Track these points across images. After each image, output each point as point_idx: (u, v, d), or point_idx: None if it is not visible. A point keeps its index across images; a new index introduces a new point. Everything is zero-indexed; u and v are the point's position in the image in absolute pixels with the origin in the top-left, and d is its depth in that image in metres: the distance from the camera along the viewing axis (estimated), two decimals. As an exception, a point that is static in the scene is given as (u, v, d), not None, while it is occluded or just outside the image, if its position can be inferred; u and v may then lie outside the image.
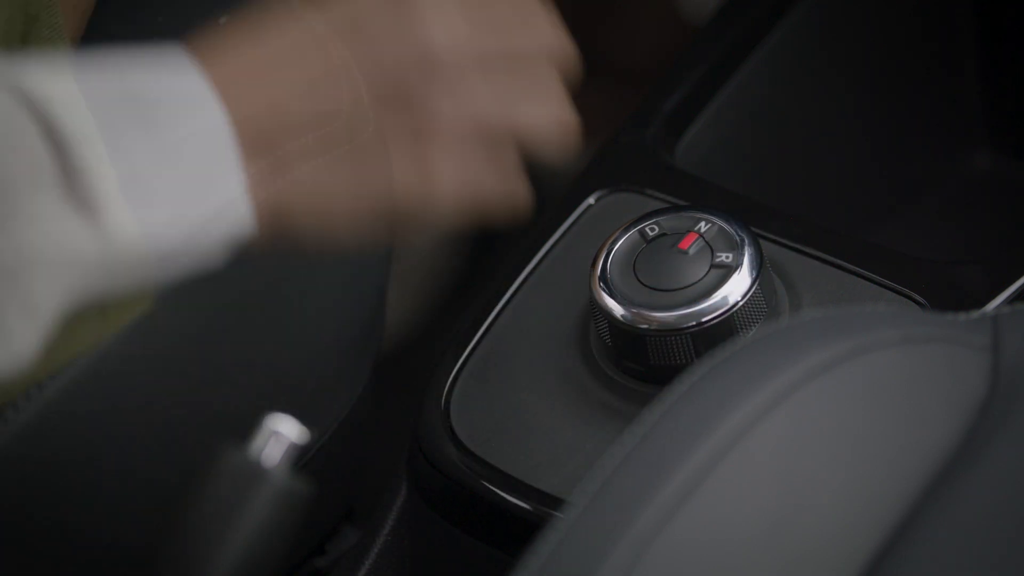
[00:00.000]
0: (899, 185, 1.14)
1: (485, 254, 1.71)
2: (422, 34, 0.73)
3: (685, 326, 0.83)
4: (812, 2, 1.08)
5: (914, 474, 0.66)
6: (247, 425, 0.67)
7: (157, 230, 0.67)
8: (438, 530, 0.89)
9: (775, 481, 0.64)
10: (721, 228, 0.86)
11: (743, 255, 0.85)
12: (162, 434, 0.86)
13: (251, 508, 0.64)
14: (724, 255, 0.85)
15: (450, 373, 0.89)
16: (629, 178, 0.96)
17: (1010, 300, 0.88)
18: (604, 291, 0.86)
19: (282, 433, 0.66)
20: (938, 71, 1.16)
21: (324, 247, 0.73)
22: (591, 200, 0.96)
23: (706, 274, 0.85)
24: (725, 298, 0.84)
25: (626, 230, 0.88)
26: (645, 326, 0.84)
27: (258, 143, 0.71)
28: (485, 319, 0.91)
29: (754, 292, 0.84)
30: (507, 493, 0.85)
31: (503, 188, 0.75)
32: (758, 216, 0.91)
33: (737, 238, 0.85)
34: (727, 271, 0.84)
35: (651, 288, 0.85)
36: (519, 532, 0.78)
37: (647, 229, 0.88)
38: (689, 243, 0.86)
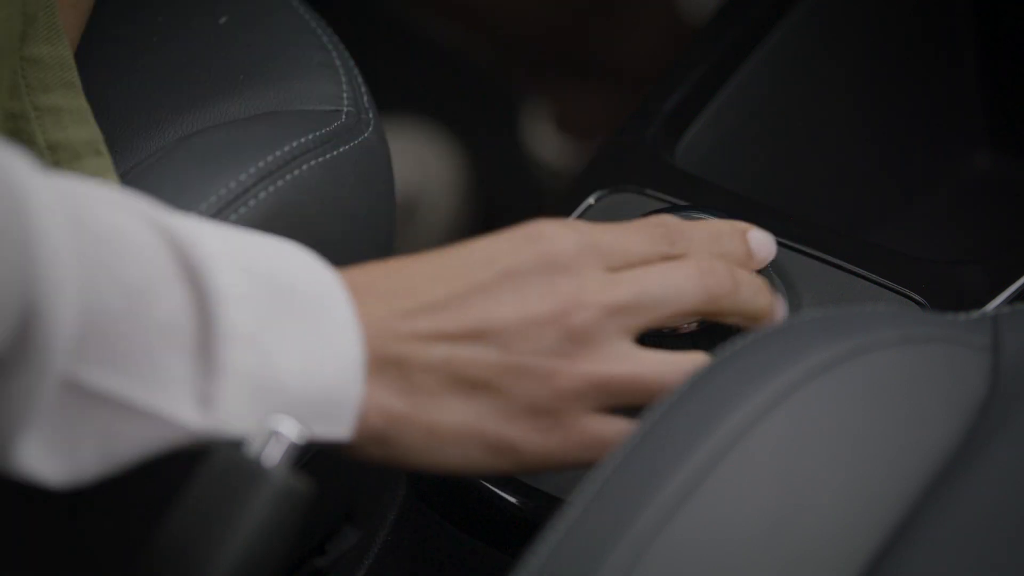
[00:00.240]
0: (899, 185, 1.14)
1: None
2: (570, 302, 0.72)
3: (685, 326, 0.83)
4: (812, 2, 1.08)
5: (914, 474, 0.66)
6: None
7: (268, 425, 0.67)
8: (438, 530, 0.89)
9: (775, 481, 0.64)
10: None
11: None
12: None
13: (251, 508, 0.64)
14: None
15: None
16: (629, 178, 0.96)
17: (1010, 300, 0.88)
18: (604, 291, 0.85)
19: (282, 433, 0.66)
20: (938, 71, 1.16)
21: (425, 461, 0.72)
22: (591, 200, 0.95)
23: (706, 274, 0.85)
24: (725, 298, 0.84)
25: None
26: (645, 326, 0.84)
27: (384, 357, 0.70)
28: (485, 319, 0.91)
29: (754, 292, 0.84)
30: (507, 493, 0.85)
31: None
32: (758, 216, 0.91)
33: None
34: (727, 271, 0.84)
35: (651, 288, 0.85)
36: (519, 532, 0.78)
37: None
38: (689, 243, 0.86)
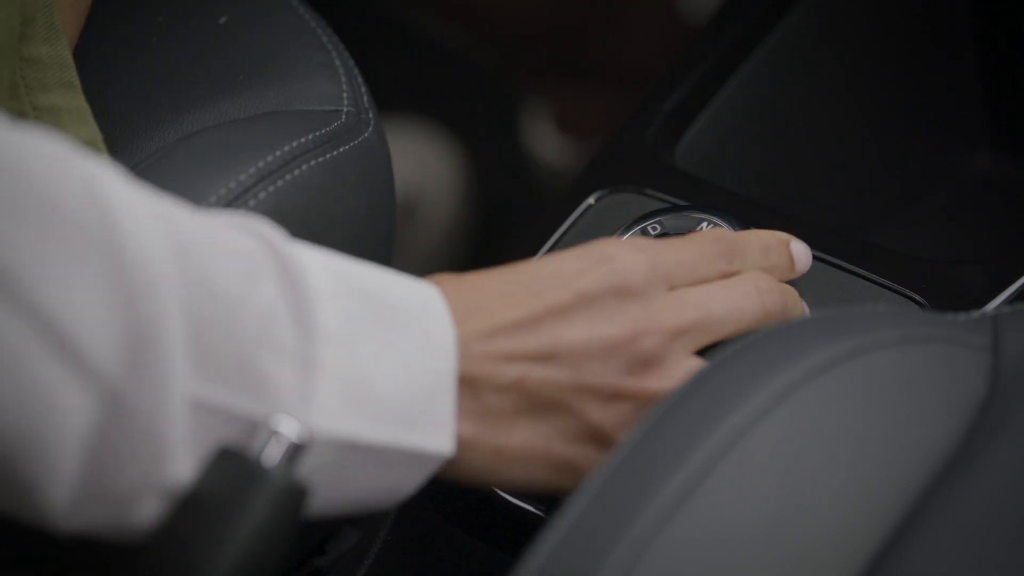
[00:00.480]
0: (899, 185, 1.14)
1: (487, 253, 1.71)
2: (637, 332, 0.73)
3: None
4: (812, 2, 1.08)
5: (914, 474, 0.66)
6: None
7: (360, 435, 0.67)
8: (438, 530, 0.89)
9: (775, 481, 0.64)
10: (721, 228, 0.86)
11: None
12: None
13: (251, 508, 0.64)
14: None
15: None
16: (629, 178, 0.96)
17: (1010, 300, 0.88)
18: (604, 291, 0.85)
19: (282, 433, 0.66)
20: (938, 71, 1.16)
21: (487, 481, 0.73)
22: (591, 200, 0.95)
23: (706, 274, 0.85)
24: (725, 298, 0.84)
25: (626, 230, 0.88)
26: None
27: (473, 379, 0.71)
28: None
29: (754, 292, 0.84)
30: (507, 493, 0.85)
31: None
32: (758, 216, 0.91)
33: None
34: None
35: (651, 288, 0.85)
36: (519, 532, 0.78)
37: (648, 228, 0.88)
38: (689, 243, 0.86)
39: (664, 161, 0.98)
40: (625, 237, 0.87)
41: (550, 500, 0.83)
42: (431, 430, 0.69)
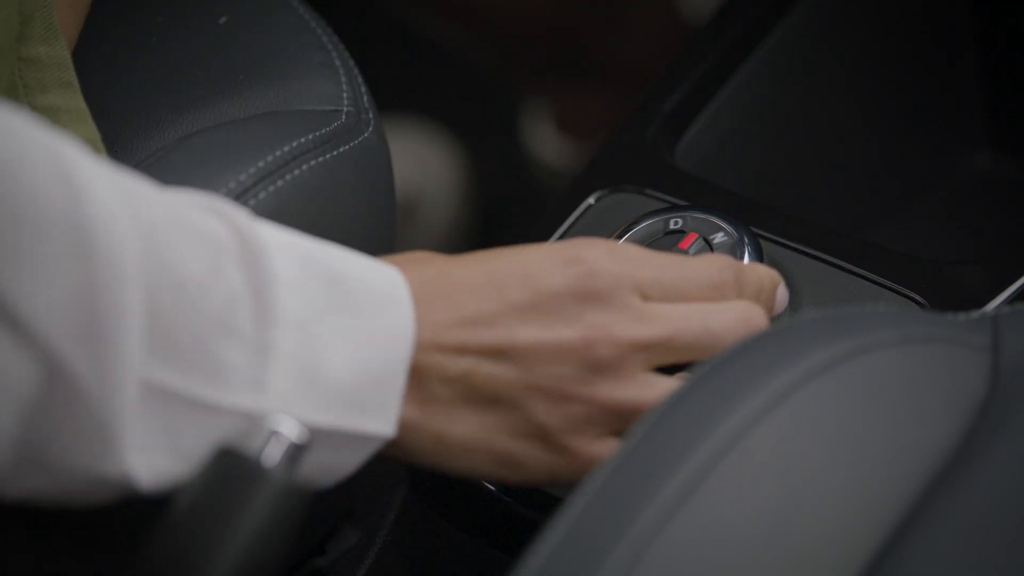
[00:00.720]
0: (899, 185, 1.14)
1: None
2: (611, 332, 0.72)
3: None
4: (812, 2, 1.08)
5: (914, 474, 0.66)
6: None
7: (308, 419, 0.68)
8: (438, 530, 0.89)
9: (775, 481, 0.64)
10: (721, 228, 0.86)
11: (743, 255, 0.85)
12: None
13: (251, 508, 0.64)
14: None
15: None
16: (629, 178, 0.96)
17: (1010, 300, 0.88)
18: (604, 291, 0.85)
19: (282, 433, 0.66)
20: (938, 71, 1.16)
21: (431, 464, 0.73)
22: (591, 200, 0.95)
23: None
24: (725, 298, 0.84)
25: (626, 230, 0.88)
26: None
27: (422, 368, 0.71)
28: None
29: (754, 292, 0.84)
30: (507, 493, 0.85)
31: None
32: (758, 216, 0.91)
33: (737, 238, 0.85)
34: (727, 271, 0.84)
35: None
36: (519, 532, 0.78)
37: (670, 222, 0.87)
38: (689, 243, 0.86)
39: (664, 161, 0.98)
40: (622, 240, 0.87)
41: (550, 500, 0.83)
42: (377, 414, 0.69)
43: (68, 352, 0.62)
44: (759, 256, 0.85)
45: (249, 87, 0.91)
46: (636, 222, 0.88)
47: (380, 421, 0.70)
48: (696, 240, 0.86)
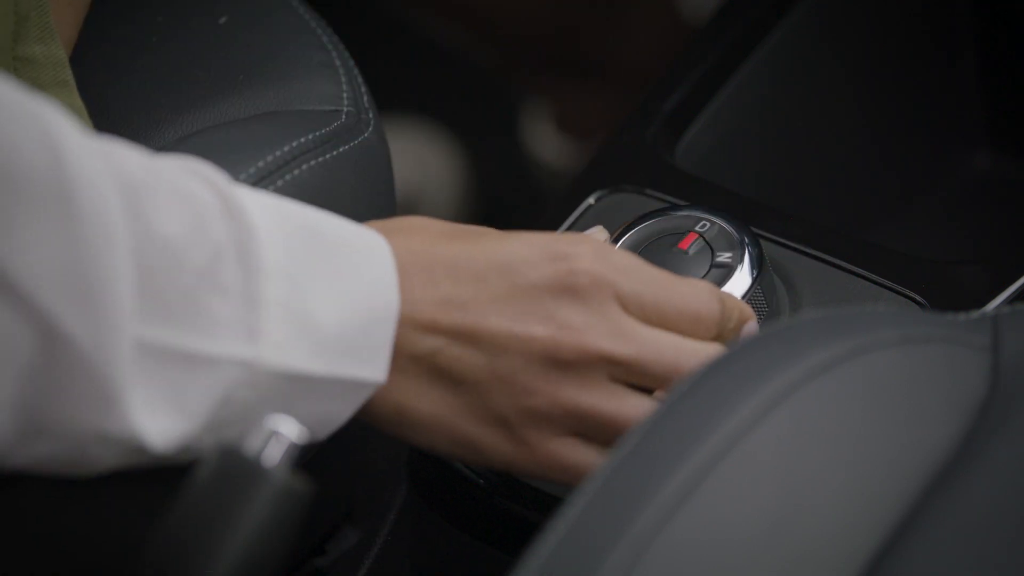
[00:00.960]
0: (899, 185, 1.14)
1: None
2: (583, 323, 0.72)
3: None
4: (812, 2, 1.08)
5: (914, 474, 0.66)
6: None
7: (303, 366, 0.68)
8: (438, 530, 0.89)
9: (775, 481, 0.64)
10: (721, 228, 0.86)
11: (743, 255, 0.85)
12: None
13: (251, 508, 0.64)
14: (724, 255, 0.85)
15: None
16: (629, 178, 0.96)
17: (1010, 300, 0.88)
18: (604, 291, 0.85)
19: (282, 433, 0.66)
20: (938, 71, 1.16)
21: (393, 433, 0.74)
22: (591, 200, 0.95)
23: (706, 274, 0.85)
24: (725, 298, 0.84)
25: (626, 230, 0.88)
26: (645, 326, 0.84)
27: (425, 327, 0.72)
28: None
29: (754, 292, 0.84)
30: (507, 493, 0.85)
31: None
32: (758, 216, 0.91)
33: (737, 238, 0.85)
34: (727, 271, 0.84)
35: (651, 288, 0.85)
36: (519, 532, 0.78)
37: (700, 230, 0.87)
38: (689, 243, 0.86)
39: (664, 161, 0.98)
40: (624, 237, 0.87)
41: (550, 500, 0.83)
42: (369, 360, 0.70)
43: (61, 313, 0.63)
44: (760, 256, 0.85)
45: (249, 87, 0.91)
46: (636, 222, 0.88)
47: (372, 367, 0.70)
48: (696, 240, 0.86)
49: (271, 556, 0.65)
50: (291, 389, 0.69)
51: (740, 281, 0.84)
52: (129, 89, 0.91)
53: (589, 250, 0.73)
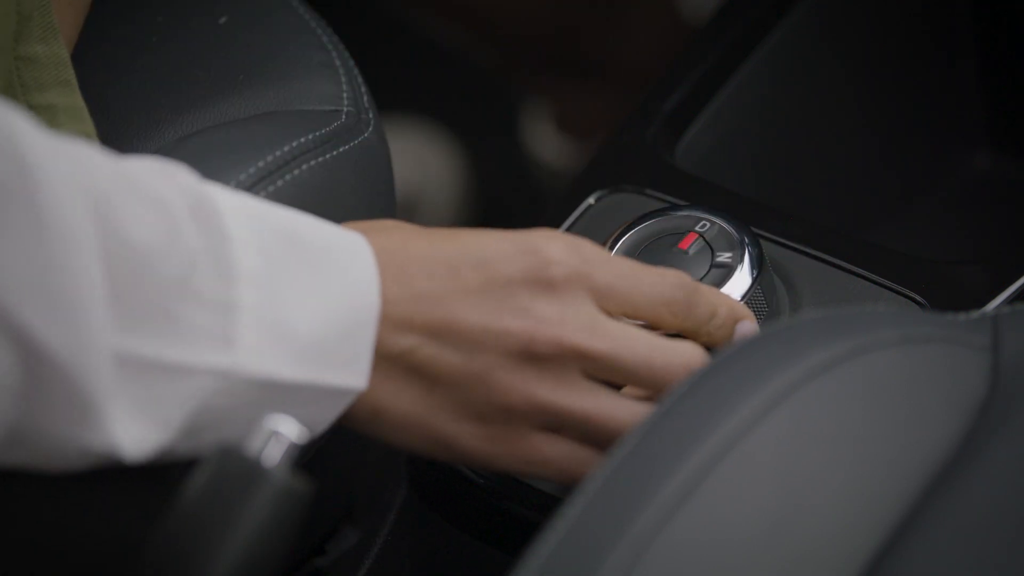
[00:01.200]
0: (899, 185, 1.14)
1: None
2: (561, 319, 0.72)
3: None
4: (812, 2, 1.08)
5: (914, 474, 0.66)
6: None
7: (281, 374, 0.68)
8: (438, 530, 0.89)
9: (775, 481, 0.64)
10: (721, 228, 0.86)
11: (743, 255, 0.85)
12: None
13: (251, 508, 0.64)
14: (724, 255, 0.85)
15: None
16: (629, 178, 0.96)
17: (1010, 300, 0.88)
18: (604, 291, 0.85)
19: (282, 433, 0.66)
20: (938, 71, 1.16)
21: (369, 434, 0.74)
22: (591, 200, 0.95)
23: (706, 274, 0.85)
24: (725, 298, 0.84)
25: (626, 230, 0.88)
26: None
27: (400, 325, 0.71)
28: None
29: (754, 292, 0.84)
30: (507, 493, 0.85)
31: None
32: (758, 216, 0.91)
33: (737, 238, 0.85)
34: (727, 271, 0.84)
35: (651, 288, 0.85)
36: (519, 532, 0.78)
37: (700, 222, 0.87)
38: (689, 243, 0.86)
39: (664, 161, 0.98)
40: (624, 237, 0.87)
41: (550, 500, 0.83)
42: (349, 367, 0.70)
43: (36, 325, 0.62)
44: (760, 256, 0.85)
45: (249, 87, 0.91)
46: (636, 222, 0.88)
47: (352, 375, 0.70)
48: (696, 240, 0.86)
49: (271, 556, 0.65)
50: (270, 395, 0.68)
51: (740, 281, 0.84)
52: (129, 89, 0.91)
53: (562, 243, 0.73)
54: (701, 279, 0.84)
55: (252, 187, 0.85)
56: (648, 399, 0.75)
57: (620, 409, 0.73)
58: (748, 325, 0.78)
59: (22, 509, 0.78)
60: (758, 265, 0.85)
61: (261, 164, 0.86)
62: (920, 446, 0.67)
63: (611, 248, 0.87)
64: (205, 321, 0.66)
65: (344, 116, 0.90)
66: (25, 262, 0.62)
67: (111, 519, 0.82)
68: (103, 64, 0.91)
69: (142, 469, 0.69)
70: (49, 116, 0.83)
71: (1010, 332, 0.72)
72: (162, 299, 0.65)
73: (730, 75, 1.04)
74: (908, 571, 0.63)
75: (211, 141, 0.88)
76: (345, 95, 0.92)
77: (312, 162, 0.88)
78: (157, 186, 0.66)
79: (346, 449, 1.01)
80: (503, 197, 1.77)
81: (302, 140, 0.88)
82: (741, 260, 0.85)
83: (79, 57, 0.88)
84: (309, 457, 0.94)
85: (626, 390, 0.75)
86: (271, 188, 0.86)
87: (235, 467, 0.65)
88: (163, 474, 0.71)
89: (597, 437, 0.73)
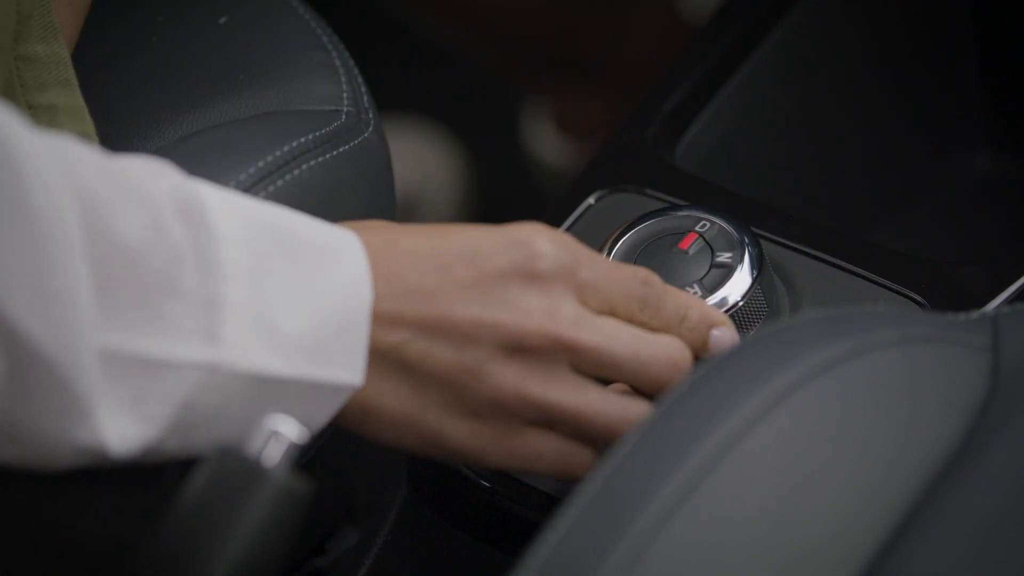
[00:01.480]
0: (899, 185, 1.14)
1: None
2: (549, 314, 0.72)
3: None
4: (812, 2, 1.08)
5: (914, 474, 0.66)
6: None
7: (270, 369, 0.68)
8: (438, 530, 0.89)
9: (775, 481, 0.64)
10: (721, 228, 0.86)
11: (743, 255, 0.85)
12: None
13: (251, 508, 0.64)
14: (724, 255, 0.85)
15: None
16: (629, 178, 0.96)
17: (1010, 300, 0.88)
18: (604, 291, 0.85)
19: (282, 433, 0.66)
20: (938, 71, 1.16)
21: (359, 432, 0.73)
22: (591, 200, 0.95)
23: (706, 274, 0.85)
24: (725, 298, 0.84)
25: (626, 230, 0.88)
26: (645, 326, 0.84)
27: (390, 321, 0.71)
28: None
29: (754, 292, 0.84)
30: (507, 493, 0.85)
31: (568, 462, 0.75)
32: (758, 216, 0.91)
33: (737, 238, 0.85)
34: (727, 271, 0.84)
35: (651, 288, 0.85)
36: (519, 532, 0.78)
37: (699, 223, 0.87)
38: (689, 243, 0.86)
39: (664, 161, 0.98)
40: (624, 236, 0.87)
41: (550, 500, 0.83)
42: (344, 363, 0.70)
43: (25, 322, 0.62)
44: (760, 256, 0.85)
45: (249, 87, 0.91)
46: (636, 222, 0.88)
47: (347, 370, 0.70)
48: (696, 240, 0.86)
49: (271, 556, 0.65)
50: (261, 392, 0.68)
51: (740, 281, 0.84)
52: (129, 89, 0.91)
53: (548, 237, 0.73)
54: (701, 279, 0.84)
55: (252, 187, 0.85)
56: (635, 395, 0.75)
57: (610, 405, 0.73)
58: (725, 331, 0.78)
59: (22, 509, 0.78)
60: (758, 265, 0.85)
61: (261, 164, 0.86)
62: (920, 446, 0.67)
63: (611, 248, 0.87)
64: (189, 317, 0.66)
65: (344, 116, 0.90)
66: (12, 259, 0.62)
67: (111, 519, 0.82)
68: (103, 64, 0.91)
69: (141, 469, 0.69)
70: (49, 116, 0.83)
71: (1010, 332, 0.72)
72: (148, 296, 0.65)
73: (730, 75, 1.04)
74: (908, 571, 0.63)
75: (211, 141, 0.88)
76: (345, 95, 0.92)
77: (312, 162, 0.88)
78: (145, 184, 0.67)
79: (346, 449, 1.01)
80: (503, 197, 1.77)
81: (302, 140, 0.88)
82: (741, 260, 0.85)
83: (79, 57, 0.88)
84: (309, 457, 0.94)
85: (613, 387, 0.75)
86: (271, 188, 0.86)
87: (235, 467, 0.65)
88: (162, 474, 0.71)
89: (588, 433, 0.73)
